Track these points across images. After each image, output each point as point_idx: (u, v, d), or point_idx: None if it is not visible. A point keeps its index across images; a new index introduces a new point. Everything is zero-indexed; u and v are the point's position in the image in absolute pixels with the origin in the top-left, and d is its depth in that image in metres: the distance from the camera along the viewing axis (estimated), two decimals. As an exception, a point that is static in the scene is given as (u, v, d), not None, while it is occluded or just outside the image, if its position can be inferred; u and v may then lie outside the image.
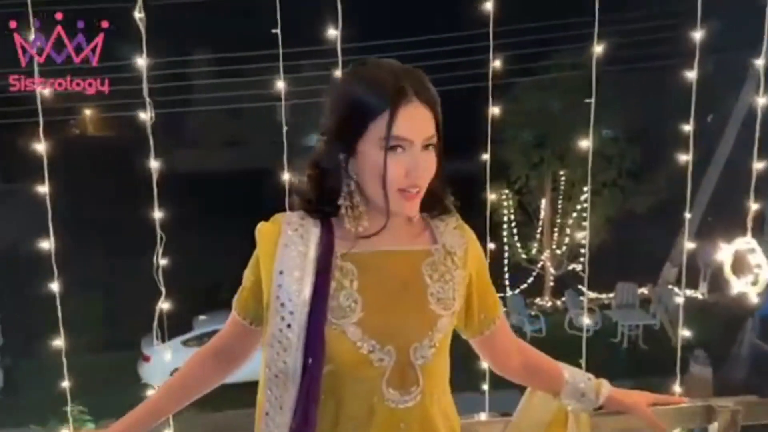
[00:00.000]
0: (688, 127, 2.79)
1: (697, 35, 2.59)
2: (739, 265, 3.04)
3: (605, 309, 11.90)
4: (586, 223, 11.20)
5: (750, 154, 2.91)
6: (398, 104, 1.12)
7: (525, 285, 12.74)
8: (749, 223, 2.88)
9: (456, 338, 1.33)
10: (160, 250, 2.18)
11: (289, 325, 1.18)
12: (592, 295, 11.85)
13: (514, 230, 12.94)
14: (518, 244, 12.98)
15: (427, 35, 10.53)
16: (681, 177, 2.84)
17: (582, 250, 11.55)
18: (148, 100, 2.12)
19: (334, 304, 1.18)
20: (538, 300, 12.92)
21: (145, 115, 2.17)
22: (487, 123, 2.71)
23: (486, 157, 2.85)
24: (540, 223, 13.21)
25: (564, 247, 12.96)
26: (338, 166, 1.18)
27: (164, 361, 7.45)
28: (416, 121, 1.14)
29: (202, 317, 10.36)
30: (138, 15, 2.06)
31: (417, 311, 1.21)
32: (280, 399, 1.20)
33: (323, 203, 1.22)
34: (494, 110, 2.68)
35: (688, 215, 3.00)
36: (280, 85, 2.48)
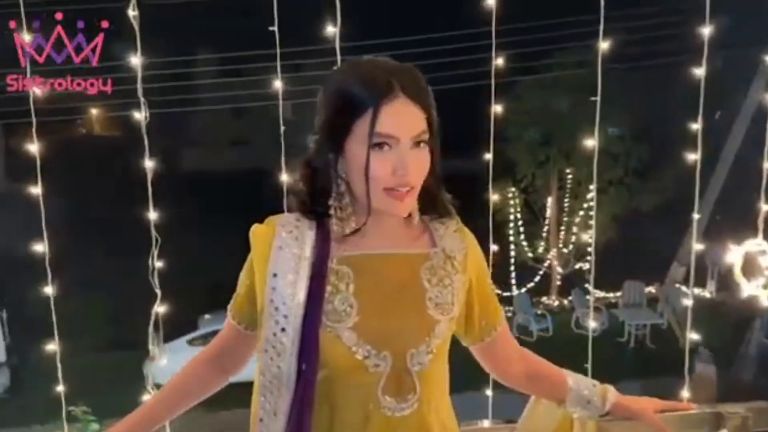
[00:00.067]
0: (695, 125, 2.75)
1: (706, 31, 2.55)
2: (750, 267, 3.00)
3: (612, 308, 11.85)
4: (592, 222, 11.15)
5: (759, 151, 2.87)
6: (382, 100, 1.09)
7: (531, 284, 12.70)
8: (760, 225, 2.83)
9: (457, 339, 1.30)
10: (156, 253, 2.15)
11: (283, 329, 1.15)
12: (599, 294, 11.78)
13: (521, 229, 12.90)
14: (524, 243, 12.94)
15: (429, 34, 10.48)
16: (688, 175, 2.81)
17: (589, 249, 11.50)
18: (142, 99, 2.09)
19: (329, 307, 1.15)
20: (544, 299, 12.89)
21: (140, 115, 2.15)
22: (491, 122, 2.68)
23: (489, 156, 2.82)
24: (546, 221, 13.17)
25: (570, 246, 12.92)
26: (328, 166, 1.15)
27: (170, 361, 7.45)
28: (402, 118, 1.10)
29: (207, 316, 10.36)
30: (132, 13, 2.03)
31: (414, 316, 1.17)
32: (274, 405, 1.17)
33: (316, 204, 1.19)
34: (497, 109, 2.65)
35: (696, 215, 2.96)
36: (278, 84, 2.46)
